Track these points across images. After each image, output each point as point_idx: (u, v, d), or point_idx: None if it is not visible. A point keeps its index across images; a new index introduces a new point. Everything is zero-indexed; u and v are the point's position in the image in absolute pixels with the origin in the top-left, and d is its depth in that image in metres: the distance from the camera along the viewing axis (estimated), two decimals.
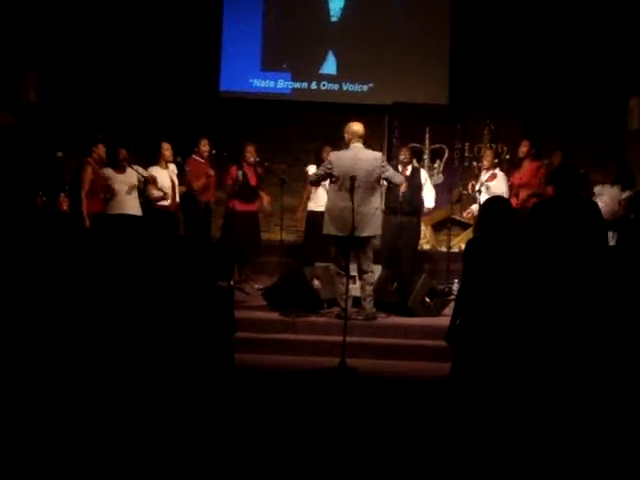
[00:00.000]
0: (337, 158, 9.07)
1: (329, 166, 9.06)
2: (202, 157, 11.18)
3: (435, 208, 12.31)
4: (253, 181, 11.09)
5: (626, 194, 9.67)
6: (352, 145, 9.05)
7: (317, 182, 9.81)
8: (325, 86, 13.95)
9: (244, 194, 10.97)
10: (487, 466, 5.16)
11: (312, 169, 11.05)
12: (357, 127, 9.14)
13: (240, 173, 10.85)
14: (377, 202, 9.09)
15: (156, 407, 5.62)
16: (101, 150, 10.33)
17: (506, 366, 5.54)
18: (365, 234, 8.97)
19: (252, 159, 11.09)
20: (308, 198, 11.41)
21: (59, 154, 11.29)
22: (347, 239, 8.85)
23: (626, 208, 9.13)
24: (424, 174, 11.15)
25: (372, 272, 9.22)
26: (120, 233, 9.58)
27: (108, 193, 10.17)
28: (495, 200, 6.27)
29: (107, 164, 10.31)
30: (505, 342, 5.57)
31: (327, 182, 9.37)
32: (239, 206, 10.91)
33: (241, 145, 11.23)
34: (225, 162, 11.25)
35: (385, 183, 9.50)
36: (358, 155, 8.99)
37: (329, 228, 9.09)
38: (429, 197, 10.97)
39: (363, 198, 8.87)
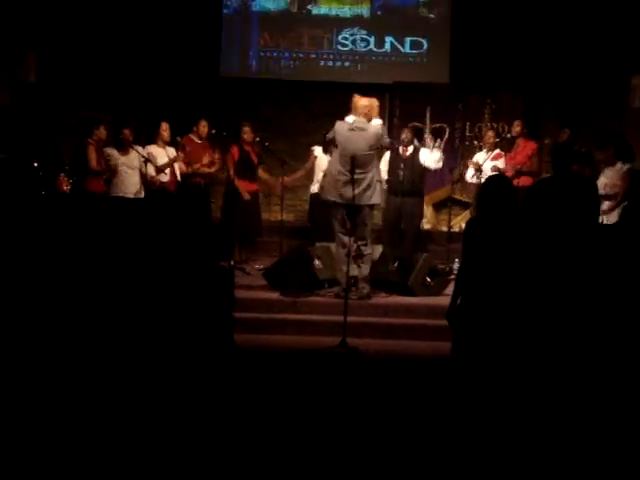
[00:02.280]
0: (340, 127, 9.08)
1: (334, 133, 9.12)
2: (200, 138, 11.14)
3: (436, 187, 12.31)
4: (254, 159, 11.10)
5: (627, 166, 9.62)
6: (355, 118, 9.04)
7: (328, 143, 9.88)
8: (325, 64, 13.95)
9: (245, 173, 10.97)
10: (487, 445, 5.16)
11: (318, 150, 11.07)
12: (364, 102, 9.11)
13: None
14: (375, 173, 9.06)
15: (156, 387, 5.63)
16: (102, 132, 10.31)
17: (506, 344, 5.54)
18: (363, 202, 8.95)
19: (249, 138, 11.08)
20: (306, 173, 11.40)
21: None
22: (346, 210, 8.94)
23: (628, 182, 9.12)
24: (424, 152, 11.11)
25: (369, 248, 9.18)
26: (122, 215, 9.57)
27: (110, 173, 10.18)
28: (495, 178, 6.26)
29: (111, 144, 10.32)
30: (505, 321, 5.56)
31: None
32: (240, 185, 10.92)
33: (238, 125, 11.22)
34: (224, 142, 11.23)
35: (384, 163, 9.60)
36: (360, 128, 8.98)
37: (329, 192, 9.09)
38: (432, 160, 10.91)
39: (362, 172, 8.87)
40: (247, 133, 11.09)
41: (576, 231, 6.17)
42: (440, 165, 11.02)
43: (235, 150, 11.01)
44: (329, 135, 9.35)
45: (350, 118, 9.06)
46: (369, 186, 8.95)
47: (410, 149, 10.90)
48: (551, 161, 6.96)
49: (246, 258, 11.21)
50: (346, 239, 8.98)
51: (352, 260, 8.91)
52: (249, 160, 11.07)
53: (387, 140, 9.34)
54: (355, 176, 8.76)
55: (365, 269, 9.17)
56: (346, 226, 9.03)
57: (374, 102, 9.18)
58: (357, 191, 8.79)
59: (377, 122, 9.15)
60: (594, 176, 9.34)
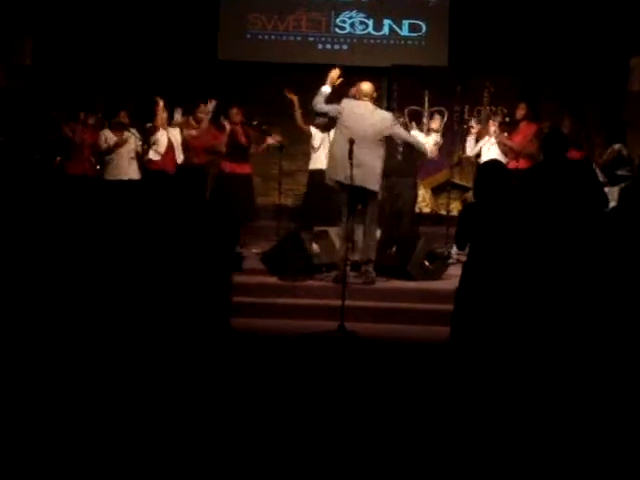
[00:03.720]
0: (350, 108, 8.94)
1: (340, 110, 8.94)
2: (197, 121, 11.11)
3: (434, 171, 12.26)
4: (243, 140, 11.05)
5: (618, 145, 9.60)
6: (365, 103, 8.98)
7: (320, 114, 9.47)
8: (323, 47, 13.92)
9: (234, 154, 10.95)
10: (484, 431, 5.15)
11: (314, 129, 10.97)
12: (366, 86, 9.05)
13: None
14: (381, 161, 9.02)
15: (154, 370, 5.62)
16: (82, 116, 10.35)
17: (504, 331, 5.52)
18: (369, 186, 8.87)
19: (238, 120, 11.10)
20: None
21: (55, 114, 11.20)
22: (350, 192, 8.81)
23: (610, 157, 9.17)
24: (414, 133, 11.04)
25: (376, 232, 9.16)
26: (117, 198, 9.56)
27: (106, 155, 10.19)
28: (489, 164, 6.25)
29: (107, 126, 10.32)
30: (504, 308, 5.55)
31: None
32: (229, 168, 10.91)
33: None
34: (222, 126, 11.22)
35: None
36: (369, 112, 8.93)
37: (335, 171, 8.93)
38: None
39: (368, 154, 8.80)
40: (236, 115, 11.09)
41: (578, 216, 6.14)
42: (433, 153, 10.93)
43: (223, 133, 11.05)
44: (320, 107, 9.04)
45: (360, 103, 8.99)
46: (374, 171, 8.88)
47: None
48: (542, 148, 6.96)
49: (242, 243, 11.15)
50: (347, 223, 8.92)
51: (356, 245, 8.89)
52: (238, 142, 11.04)
53: (399, 131, 9.22)
54: (361, 157, 8.71)
55: (372, 254, 9.11)
56: (352, 210, 8.95)
57: (373, 86, 9.15)
58: (362, 173, 8.73)
59: (388, 112, 9.22)
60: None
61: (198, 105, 11.12)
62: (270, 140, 11.30)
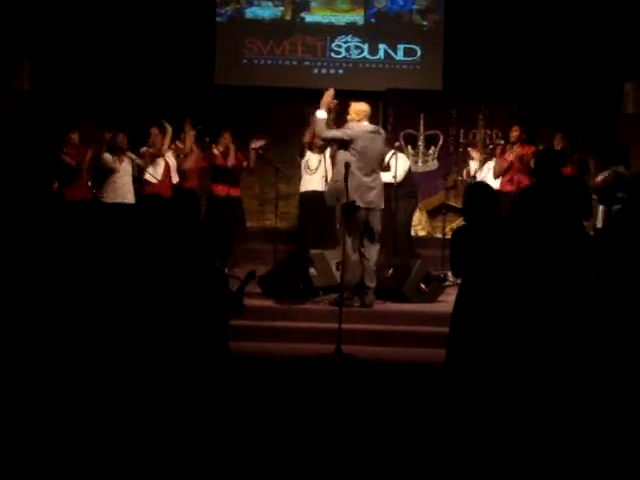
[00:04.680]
0: (360, 130, 8.99)
1: (350, 134, 8.94)
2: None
3: (430, 194, 12.32)
4: (232, 162, 11.11)
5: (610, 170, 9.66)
6: (367, 124, 9.06)
7: (329, 140, 9.36)
8: (319, 72, 14.00)
9: (225, 178, 11.01)
10: (483, 451, 5.16)
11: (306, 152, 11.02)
12: (364, 107, 9.12)
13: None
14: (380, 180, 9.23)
15: (150, 393, 5.62)
16: (74, 138, 10.38)
17: (500, 353, 5.54)
18: (380, 206, 9.08)
19: (229, 143, 11.22)
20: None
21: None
22: (360, 215, 8.91)
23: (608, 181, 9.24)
24: (399, 156, 11.06)
25: (377, 252, 9.21)
26: (117, 222, 9.58)
27: (106, 178, 10.24)
28: (476, 187, 6.30)
29: (105, 150, 10.36)
30: (499, 329, 5.57)
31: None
32: (220, 190, 10.97)
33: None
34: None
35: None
36: (375, 133, 9.10)
37: (353, 195, 8.78)
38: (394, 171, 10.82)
39: (375, 174, 9.03)
40: (227, 139, 11.16)
41: (564, 234, 6.17)
42: (397, 179, 10.91)
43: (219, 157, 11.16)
44: (329, 134, 9.06)
45: (364, 125, 9.07)
46: (381, 190, 9.04)
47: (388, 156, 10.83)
48: (535, 168, 7.00)
49: (232, 264, 11.14)
50: (354, 244, 8.97)
51: (363, 266, 8.93)
52: (229, 165, 11.14)
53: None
54: (375, 179, 8.97)
55: (372, 273, 9.13)
56: (357, 232, 9.00)
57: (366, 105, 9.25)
58: (375, 195, 8.96)
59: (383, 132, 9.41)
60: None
61: (184, 126, 11.20)
62: (254, 145, 11.29)
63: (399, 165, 10.84)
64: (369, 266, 9.08)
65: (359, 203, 8.86)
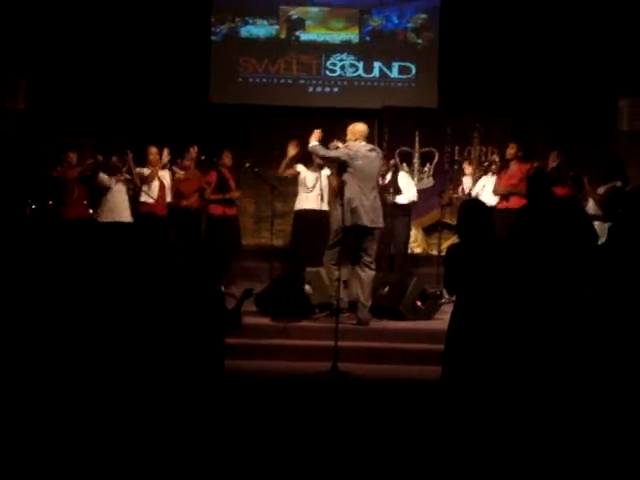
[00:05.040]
0: (359, 151, 9.08)
1: (351, 155, 9.02)
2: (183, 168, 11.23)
3: (426, 211, 12.32)
4: (232, 184, 11.14)
5: (617, 183, 9.69)
6: (365, 144, 9.10)
7: (327, 159, 9.60)
8: (314, 90, 14.04)
9: (221, 199, 11.08)
10: (479, 468, 5.15)
11: (300, 167, 11.00)
12: (361, 127, 9.18)
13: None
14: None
15: (146, 415, 5.60)
16: (71, 157, 10.40)
17: (496, 370, 5.54)
18: (380, 225, 9.15)
19: (230, 163, 11.30)
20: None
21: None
22: (359, 234, 9.00)
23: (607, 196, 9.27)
24: (402, 175, 11.14)
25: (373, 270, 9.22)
26: (113, 240, 9.60)
27: (102, 197, 10.26)
28: (469, 203, 6.31)
29: (101, 170, 10.38)
30: (495, 345, 5.56)
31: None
32: (217, 210, 11.01)
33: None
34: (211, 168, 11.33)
35: None
36: (370, 153, 9.13)
37: (357, 216, 8.96)
38: (409, 192, 10.96)
39: (374, 192, 9.11)
40: (228, 157, 11.25)
41: (567, 255, 6.20)
42: (413, 198, 11.03)
43: (213, 175, 11.17)
44: (331, 154, 9.22)
45: (362, 146, 9.12)
46: (378, 209, 9.10)
47: (388, 176, 10.91)
48: (528, 189, 7.05)
49: (228, 282, 11.14)
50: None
51: (359, 284, 8.97)
52: (227, 185, 11.15)
53: None
54: (373, 199, 9.03)
55: (368, 291, 9.14)
56: (362, 250, 9.04)
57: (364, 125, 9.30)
58: (375, 214, 9.03)
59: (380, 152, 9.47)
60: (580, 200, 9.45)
61: (186, 151, 11.22)
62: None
63: (409, 184, 11.11)
64: (365, 283, 9.10)
65: (360, 222, 8.95)
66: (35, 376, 6.02)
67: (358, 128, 9.17)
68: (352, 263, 9.16)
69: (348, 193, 9.01)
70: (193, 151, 11.14)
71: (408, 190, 11.03)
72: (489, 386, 5.54)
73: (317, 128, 9.27)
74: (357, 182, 8.98)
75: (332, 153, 9.21)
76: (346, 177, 9.04)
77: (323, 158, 9.56)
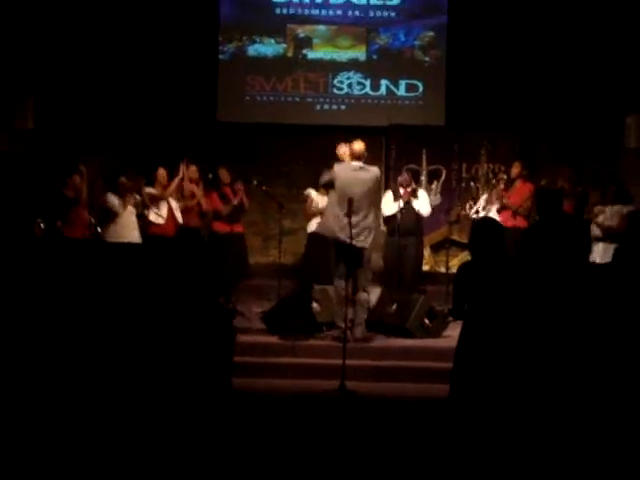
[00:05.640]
0: (341, 170, 9.18)
1: (333, 176, 9.17)
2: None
3: (433, 228, 12.32)
4: (234, 201, 11.15)
5: (627, 208, 9.71)
6: (352, 163, 9.13)
7: (325, 185, 9.72)
8: (322, 108, 14.09)
9: (224, 216, 11.08)
10: None
11: (312, 192, 11.07)
12: (357, 147, 9.21)
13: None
14: (374, 218, 9.16)
15: (152, 432, 5.61)
16: (77, 178, 10.41)
17: (504, 387, 5.53)
18: (361, 244, 8.99)
19: (227, 180, 11.26)
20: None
21: (48, 161, 11.25)
22: (347, 251, 8.92)
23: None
24: (422, 194, 11.15)
25: (367, 293, 9.21)
26: (121, 261, 9.59)
27: (109, 217, 10.26)
28: (483, 222, 6.31)
29: (108, 190, 10.40)
30: (503, 363, 5.56)
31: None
32: (222, 228, 11.01)
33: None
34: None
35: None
36: (358, 172, 9.09)
37: (333, 230, 9.11)
38: (424, 205, 10.95)
39: (361, 213, 8.96)
40: (224, 175, 11.26)
41: (567, 272, 6.21)
42: (428, 210, 11.05)
43: (214, 195, 11.19)
44: (323, 179, 9.41)
45: (349, 165, 9.16)
46: (367, 229, 8.99)
47: (408, 190, 10.94)
48: (537, 206, 7.07)
49: (236, 301, 11.15)
50: (343, 282, 9.00)
51: (350, 303, 8.95)
52: (228, 203, 11.18)
53: None
54: (354, 218, 8.82)
55: (362, 313, 9.15)
56: (345, 269, 9.04)
57: (364, 145, 9.27)
58: (355, 233, 8.84)
59: (376, 168, 9.33)
60: (588, 218, 9.46)
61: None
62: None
63: (426, 199, 11.12)
64: (360, 301, 9.12)
65: (343, 239, 8.96)
66: (41, 398, 6.02)
67: (354, 148, 9.24)
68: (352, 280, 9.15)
69: (330, 211, 9.30)
70: (183, 166, 11.08)
71: (427, 205, 11.05)
72: (498, 404, 5.53)
73: (324, 146, 9.34)
74: (337, 201, 9.08)
75: (321, 178, 9.48)
76: (329, 196, 9.39)
77: (319, 185, 9.96)
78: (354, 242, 8.83)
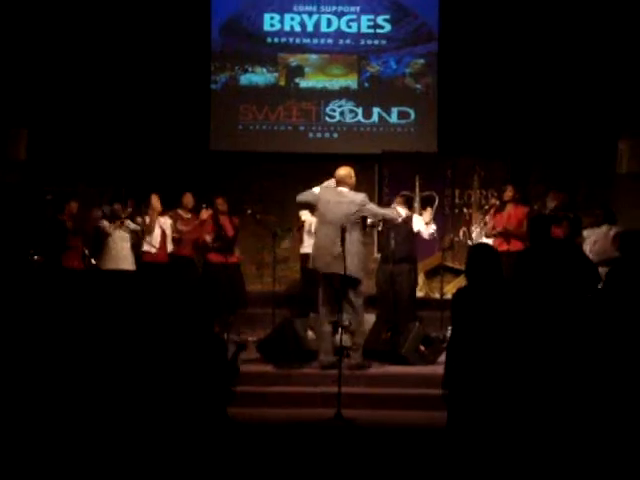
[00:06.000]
0: (323, 194, 9.17)
1: (316, 198, 9.17)
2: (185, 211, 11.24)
3: (427, 255, 12.32)
4: (230, 232, 11.18)
5: (614, 230, 9.76)
6: (338, 188, 9.13)
7: (303, 203, 9.65)
8: (314, 136, 14.13)
9: (220, 246, 11.06)
10: None
11: (305, 214, 11.09)
12: (341, 172, 9.20)
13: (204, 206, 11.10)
14: (356, 244, 9.04)
15: (150, 459, 5.58)
16: (73, 207, 10.44)
17: (502, 414, 5.51)
18: (340, 271, 8.82)
19: (224, 209, 11.29)
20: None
21: (49, 197, 11.28)
22: (331, 279, 8.96)
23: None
24: (417, 219, 11.13)
25: (357, 318, 9.15)
26: (116, 288, 9.59)
27: (102, 245, 10.29)
28: (479, 247, 6.32)
29: (103, 218, 10.44)
30: (499, 389, 5.54)
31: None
32: (216, 258, 11.02)
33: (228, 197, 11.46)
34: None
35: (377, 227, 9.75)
36: (339, 197, 9.08)
37: (316, 260, 9.16)
38: (423, 227, 10.89)
39: (337, 239, 8.78)
40: (221, 204, 11.27)
41: (569, 298, 6.22)
42: (432, 233, 11.01)
43: (210, 224, 11.22)
44: (304, 197, 9.30)
45: (334, 189, 9.15)
46: (350, 257, 8.89)
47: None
48: (529, 232, 7.11)
49: (228, 330, 11.11)
50: (326, 310, 9.01)
51: (336, 331, 8.93)
52: (224, 232, 11.20)
53: (370, 211, 9.24)
54: (332, 244, 8.85)
55: (346, 340, 9.09)
56: (329, 297, 9.03)
57: (351, 170, 9.26)
58: (332, 260, 8.86)
59: (359, 194, 9.20)
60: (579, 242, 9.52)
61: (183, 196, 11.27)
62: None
63: (419, 221, 11.00)
64: (349, 329, 9.10)
65: (321, 268, 9.04)
66: (32, 424, 5.99)
67: (337, 173, 9.21)
68: (328, 309, 9.13)
69: (315, 237, 9.38)
70: (154, 199, 11.07)
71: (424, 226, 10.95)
72: (496, 430, 5.52)
73: (318, 174, 9.32)
74: (321, 226, 9.18)
75: (302, 197, 9.34)
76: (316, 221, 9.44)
77: (300, 204, 9.79)
78: (332, 270, 8.86)
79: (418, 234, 10.82)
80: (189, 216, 11.24)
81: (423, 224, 10.95)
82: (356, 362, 9.10)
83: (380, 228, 10.59)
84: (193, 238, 11.16)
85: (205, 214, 11.03)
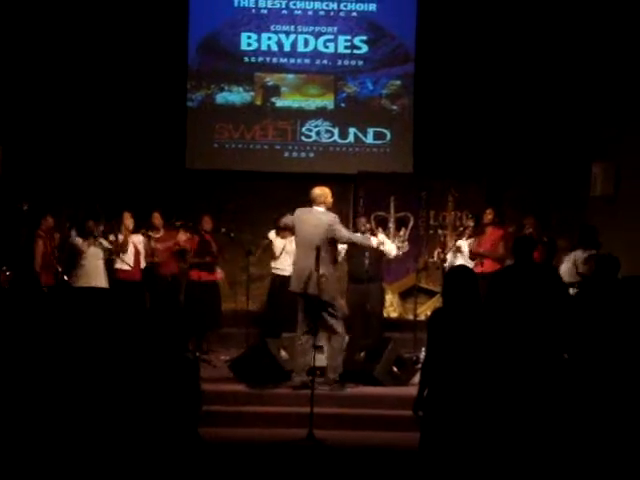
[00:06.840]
0: (298, 215, 9.23)
1: (292, 219, 9.27)
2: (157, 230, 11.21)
3: (401, 276, 12.32)
4: (213, 248, 11.21)
5: (587, 253, 9.80)
6: (313, 208, 9.14)
7: (283, 226, 9.91)
8: (290, 155, 14.15)
9: (202, 263, 11.04)
10: None
11: (271, 234, 11.15)
12: (316, 192, 9.19)
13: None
14: (327, 266, 8.99)
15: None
16: (49, 222, 10.42)
17: (475, 436, 5.50)
18: (313, 292, 8.88)
19: (209, 228, 11.33)
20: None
21: (25, 207, 11.22)
22: (307, 300, 8.97)
23: (592, 267, 9.27)
24: (385, 240, 11.12)
25: (336, 340, 9.14)
26: (88, 305, 9.54)
27: (75, 262, 10.25)
28: (457, 269, 6.32)
29: (76, 235, 10.40)
30: (473, 411, 5.53)
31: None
32: (198, 276, 10.98)
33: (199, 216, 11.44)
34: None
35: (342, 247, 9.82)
36: (313, 217, 9.08)
37: (291, 282, 9.23)
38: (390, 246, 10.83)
39: (311, 259, 8.77)
40: (207, 223, 11.29)
41: (545, 320, 6.26)
42: (400, 252, 10.97)
43: (195, 240, 11.21)
44: (283, 220, 9.52)
45: (309, 210, 9.18)
46: (321, 279, 8.87)
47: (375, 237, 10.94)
48: (513, 251, 7.17)
49: (207, 349, 11.11)
50: (302, 330, 9.01)
51: (311, 350, 8.91)
52: (208, 250, 11.20)
53: (339, 234, 9.14)
54: (305, 264, 8.87)
55: (320, 360, 9.08)
56: (306, 317, 9.04)
57: (326, 190, 9.24)
58: (307, 280, 8.87)
59: (330, 214, 9.16)
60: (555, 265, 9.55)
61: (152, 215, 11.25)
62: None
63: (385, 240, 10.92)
64: (325, 350, 9.16)
65: (295, 289, 9.09)
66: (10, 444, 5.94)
67: (312, 193, 9.20)
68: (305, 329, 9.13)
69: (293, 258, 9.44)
70: (126, 217, 11.02)
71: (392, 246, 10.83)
72: (469, 452, 5.50)
73: (293, 193, 9.34)
74: (297, 247, 9.27)
75: (282, 221, 9.63)
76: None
77: (281, 228, 10.21)
78: (308, 291, 8.89)
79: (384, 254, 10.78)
80: (160, 234, 11.17)
81: (391, 244, 10.91)
82: (331, 381, 9.07)
83: (342, 255, 10.43)
84: (169, 254, 11.10)
85: (183, 236, 11.00)
